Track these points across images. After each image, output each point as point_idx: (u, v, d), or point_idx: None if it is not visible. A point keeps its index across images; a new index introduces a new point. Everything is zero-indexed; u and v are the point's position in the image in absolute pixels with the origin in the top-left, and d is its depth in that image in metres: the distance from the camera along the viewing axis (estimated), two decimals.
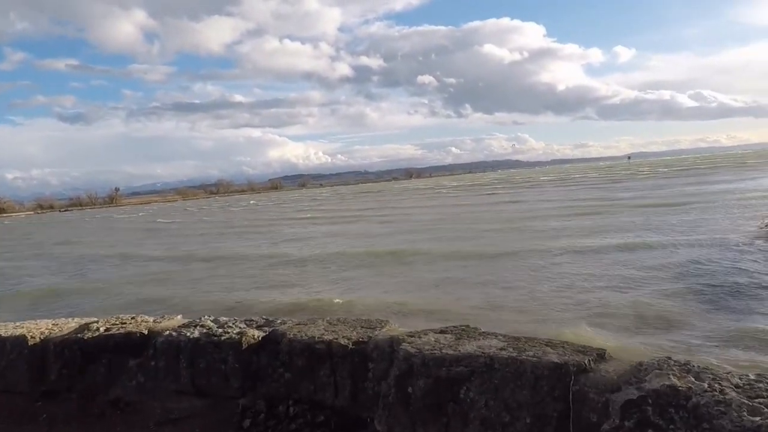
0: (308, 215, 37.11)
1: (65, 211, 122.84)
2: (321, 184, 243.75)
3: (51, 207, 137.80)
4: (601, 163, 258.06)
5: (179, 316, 4.35)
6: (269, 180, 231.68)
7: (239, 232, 27.36)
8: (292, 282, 11.71)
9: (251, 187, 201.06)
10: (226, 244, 21.60)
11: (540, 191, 43.84)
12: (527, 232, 16.62)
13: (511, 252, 12.74)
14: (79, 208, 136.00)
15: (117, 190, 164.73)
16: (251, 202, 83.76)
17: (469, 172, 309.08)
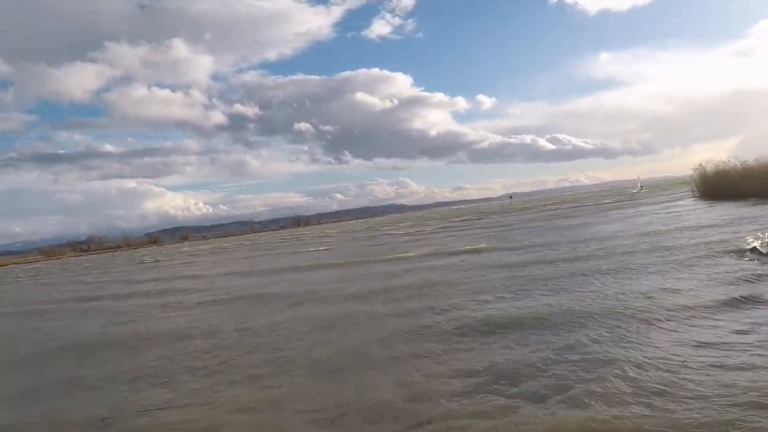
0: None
1: None
2: (204, 236, 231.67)
3: None
4: (491, 204, 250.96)
5: None
6: (146, 234, 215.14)
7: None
8: None
9: (127, 243, 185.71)
10: None
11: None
12: None
13: None
14: None
15: None
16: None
17: (357, 218, 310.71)
